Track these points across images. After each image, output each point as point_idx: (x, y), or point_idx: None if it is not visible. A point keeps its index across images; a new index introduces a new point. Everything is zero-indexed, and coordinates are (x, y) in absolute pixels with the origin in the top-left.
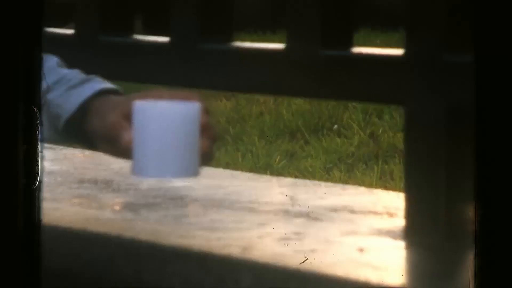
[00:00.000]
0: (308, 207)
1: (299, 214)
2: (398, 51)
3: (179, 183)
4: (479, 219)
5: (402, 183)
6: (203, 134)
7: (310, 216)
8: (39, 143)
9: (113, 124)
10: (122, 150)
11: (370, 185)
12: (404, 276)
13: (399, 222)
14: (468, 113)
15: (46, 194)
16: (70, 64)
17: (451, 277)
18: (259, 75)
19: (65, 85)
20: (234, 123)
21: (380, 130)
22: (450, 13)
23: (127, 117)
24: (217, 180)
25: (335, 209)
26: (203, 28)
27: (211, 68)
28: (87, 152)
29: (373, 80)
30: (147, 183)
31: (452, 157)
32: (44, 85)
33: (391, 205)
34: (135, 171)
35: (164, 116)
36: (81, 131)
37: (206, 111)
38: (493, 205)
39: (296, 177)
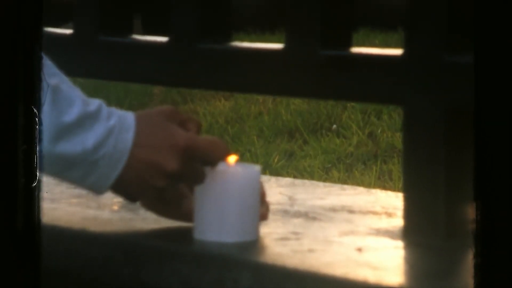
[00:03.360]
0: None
1: (298, 214)
2: (397, 51)
3: None
4: (479, 218)
5: (401, 183)
6: (261, 199)
7: (309, 216)
8: (38, 143)
9: (174, 192)
10: (178, 216)
11: (368, 185)
12: (403, 276)
13: (398, 222)
14: (467, 113)
15: (45, 194)
16: (70, 65)
17: (450, 277)
18: (258, 75)
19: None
20: (233, 123)
21: (379, 130)
22: (450, 13)
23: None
24: None
25: (333, 209)
26: (202, 28)
27: (210, 68)
28: None
29: (372, 80)
30: None
31: (451, 157)
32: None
33: (389, 205)
34: (196, 234)
35: (227, 181)
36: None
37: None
38: (493, 205)
39: (294, 177)
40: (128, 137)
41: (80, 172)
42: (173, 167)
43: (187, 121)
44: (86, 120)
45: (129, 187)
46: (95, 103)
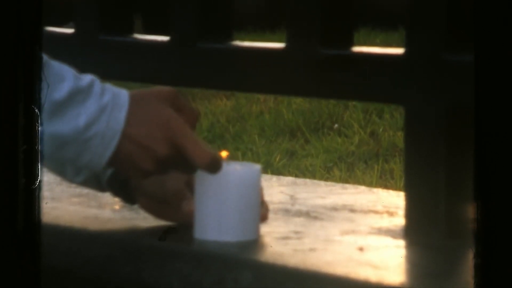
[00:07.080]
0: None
1: (299, 213)
2: (398, 51)
3: None
4: (479, 218)
5: (402, 182)
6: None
7: (310, 215)
8: (39, 143)
9: (175, 193)
10: (178, 218)
11: (370, 184)
12: (404, 275)
13: (399, 221)
14: (468, 113)
15: (46, 193)
16: (70, 64)
17: (451, 276)
18: (259, 74)
19: None
20: (234, 122)
21: (381, 129)
22: (450, 12)
23: (189, 183)
24: None
25: (335, 208)
26: (203, 27)
27: (211, 67)
28: None
29: (373, 79)
30: None
31: (452, 156)
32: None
33: (391, 204)
34: (196, 233)
35: (227, 180)
36: (125, 186)
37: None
38: (493, 204)
39: (296, 176)
40: (120, 116)
41: (72, 151)
42: (163, 153)
43: (185, 109)
44: (78, 95)
45: (118, 167)
46: (87, 78)
